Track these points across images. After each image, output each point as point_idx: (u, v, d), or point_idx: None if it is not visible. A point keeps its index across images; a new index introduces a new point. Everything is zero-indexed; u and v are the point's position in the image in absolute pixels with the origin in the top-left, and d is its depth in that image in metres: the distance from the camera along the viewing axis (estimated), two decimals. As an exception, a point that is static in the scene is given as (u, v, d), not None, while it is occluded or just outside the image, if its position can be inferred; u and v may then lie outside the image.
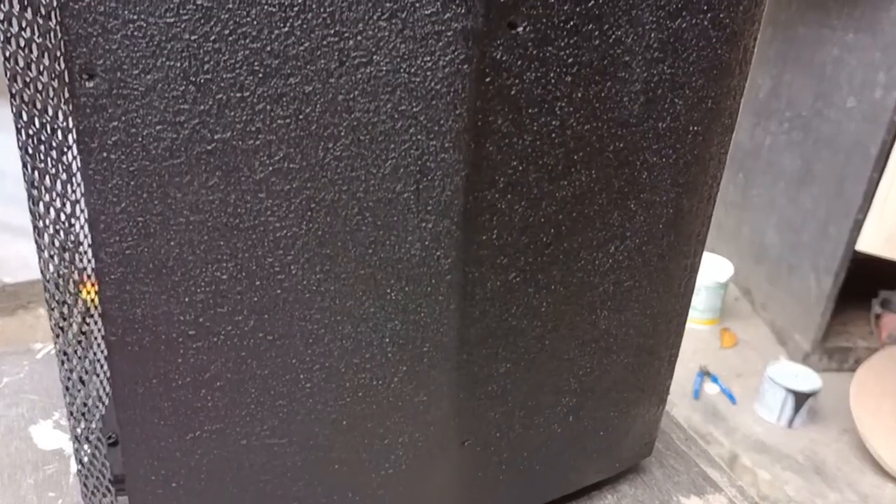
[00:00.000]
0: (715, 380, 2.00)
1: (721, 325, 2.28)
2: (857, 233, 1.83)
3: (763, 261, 2.31)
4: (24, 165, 0.39)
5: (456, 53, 0.37)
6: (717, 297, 2.23)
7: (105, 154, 0.36)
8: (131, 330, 0.41)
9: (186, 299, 0.40)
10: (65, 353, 0.45)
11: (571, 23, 0.39)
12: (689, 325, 2.24)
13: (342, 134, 0.38)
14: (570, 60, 0.40)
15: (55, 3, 0.33)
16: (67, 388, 0.46)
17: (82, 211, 0.42)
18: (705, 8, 0.42)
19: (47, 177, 0.40)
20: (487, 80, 0.38)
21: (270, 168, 0.38)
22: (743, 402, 1.94)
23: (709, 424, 1.86)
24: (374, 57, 0.36)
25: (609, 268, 0.48)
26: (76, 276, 0.45)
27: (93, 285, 0.42)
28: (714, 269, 2.24)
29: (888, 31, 1.78)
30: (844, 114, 1.92)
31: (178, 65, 0.35)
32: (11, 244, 2.08)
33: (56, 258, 0.42)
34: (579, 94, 0.41)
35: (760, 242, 2.32)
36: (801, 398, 1.81)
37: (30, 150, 0.38)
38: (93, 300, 0.47)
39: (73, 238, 0.43)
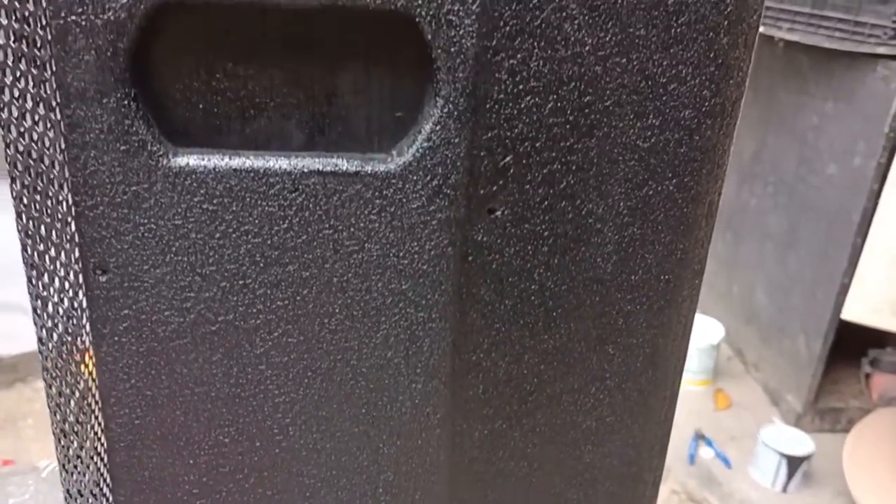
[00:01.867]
0: (710, 443, 2.01)
1: (714, 385, 2.30)
2: (844, 296, 1.86)
3: (754, 321, 2.34)
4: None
5: (440, 238, 0.40)
6: (709, 358, 2.25)
7: (116, 338, 0.39)
8: (139, 491, 0.43)
9: (191, 461, 0.43)
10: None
11: (546, 202, 0.42)
12: (682, 386, 2.25)
13: (336, 311, 0.41)
14: (545, 234, 0.43)
15: (72, 212, 0.36)
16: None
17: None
18: (670, 175, 0.46)
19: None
20: (470, 258, 0.41)
21: (270, 343, 0.41)
22: (738, 466, 1.95)
23: (704, 490, 1.87)
24: (366, 245, 0.39)
25: (591, 406, 0.51)
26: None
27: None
28: (706, 331, 2.27)
29: (865, 102, 1.84)
30: (826, 180, 1.97)
31: (185, 259, 0.38)
32: (5, 315, 2.10)
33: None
34: (556, 261, 0.44)
35: (750, 303, 2.36)
36: (794, 463, 1.82)
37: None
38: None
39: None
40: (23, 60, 0.35)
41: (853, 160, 1.87)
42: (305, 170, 0.37)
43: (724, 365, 2.40)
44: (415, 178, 0.38)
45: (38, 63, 0.35)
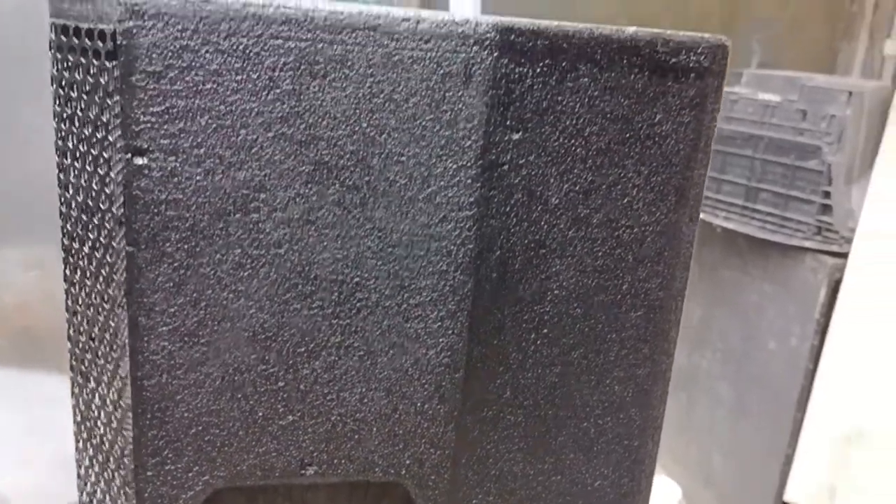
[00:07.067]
0: None
1: (677, 547, 2.37)
2: (789, 466, 1.99)
3: (711, 486, 2.44)
4: None
5: None
6: (669, 523, 2.33)
7: None
8: None
9: None
10: None
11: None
12: (646, 551, 2.32)
13: None
14: None
15: None
16: None
17: None
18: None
19: None
20: None
21: None
22: None
23: None
24: None
25: None
26: None
27: None
28: (662, 495, 2.36)
29: (797, 288, 2.03)
30: (769, 355, 2.14)
31: None
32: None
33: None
34: None
35: (708, 465, 2.47)
36: None
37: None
38: None
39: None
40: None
41: (790, 340, 2.04)
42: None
43: (685, 526, 2.48)
44: (402, 587, 0.50)
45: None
